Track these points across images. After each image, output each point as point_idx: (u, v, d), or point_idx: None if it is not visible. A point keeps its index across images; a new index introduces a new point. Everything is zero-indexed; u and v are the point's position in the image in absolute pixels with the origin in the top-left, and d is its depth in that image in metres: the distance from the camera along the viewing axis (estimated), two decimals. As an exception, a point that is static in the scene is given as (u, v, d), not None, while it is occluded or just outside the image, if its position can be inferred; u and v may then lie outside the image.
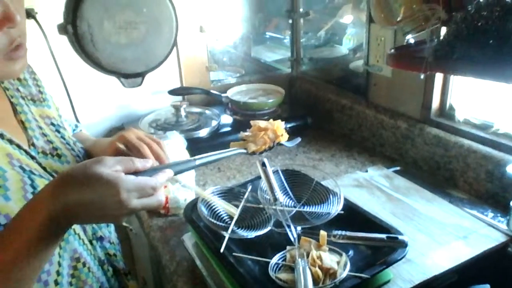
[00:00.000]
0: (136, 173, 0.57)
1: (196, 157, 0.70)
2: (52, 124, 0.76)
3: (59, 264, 0.62)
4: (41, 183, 0.61)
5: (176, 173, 0.64)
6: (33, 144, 0.68)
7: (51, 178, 0.65)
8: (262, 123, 0.90)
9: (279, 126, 0.91)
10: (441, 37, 0.62)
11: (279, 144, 0.92)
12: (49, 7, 1.25)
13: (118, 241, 0.86)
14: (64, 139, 0.76)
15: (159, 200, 0.57)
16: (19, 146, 0.64)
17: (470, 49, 0.57)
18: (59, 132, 0.76)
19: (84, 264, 0.67)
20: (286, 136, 0.92)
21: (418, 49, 0.67)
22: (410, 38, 0.74)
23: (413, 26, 0.70)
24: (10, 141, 0.63)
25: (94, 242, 0.73)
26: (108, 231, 0.79)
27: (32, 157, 0.65)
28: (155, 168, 0.61)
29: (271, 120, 0.91)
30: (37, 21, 1.23)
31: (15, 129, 0.67)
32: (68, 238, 0.65)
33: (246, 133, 0.90)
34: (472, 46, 0.57)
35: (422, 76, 0.67)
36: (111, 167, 0.52)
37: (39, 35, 1.22)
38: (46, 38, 1.24)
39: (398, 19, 0.73)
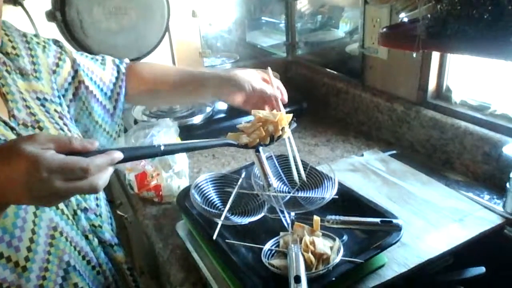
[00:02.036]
0: (78, 154, 0.51)
1: (164, 143, 0.61)
2: (38, 98, 0.75)
3: (33, 232, 0.62)
4: None
5: (130, 159, 0.57)
6: (13, 116, 0.67)
7: None
8: (263, 113, 0.79)
9: (282, 119, 0.78)
10: (434, 14, 0.60)
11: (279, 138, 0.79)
12: (36, -7, 1.22)
13: (110, 215, 0.85)
14: (49, 113, 0.75)
15: (91, 184, 0.50)
16: None
17: (464, 25, 0.56)
18: (44, 106, 0.75)
19: (61, 234, 0.67)
20: (288, 132, 0.81)
21: (411, 27, 0.65)
22: (404, 17, 0.72)
23: (406, 4, 0.68)
24: None
25: (78, 212, 0.72)
26: (96, 204, 0.79)
27: (12, 128, 0.65)
28: (103, 151, 0.53)
29: (275, 111, 0.80)
30: (24, 8, 1.20)
31: None
32: (44, 207, 0.65)
33: (247, 124, 0.80)
34: (466, 22, 0.55)
35: (414, 55, 0.65)
36: (41, 144, 0.48)
37: (27, 23, 1.20)
38: (34, 26, 1.21)
39: (391, -4, 0.71)
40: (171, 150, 0.63)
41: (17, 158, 0.47)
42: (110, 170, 0.54)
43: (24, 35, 0.80)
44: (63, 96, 0.83)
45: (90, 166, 0.50)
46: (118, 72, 0.92)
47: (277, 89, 0.88)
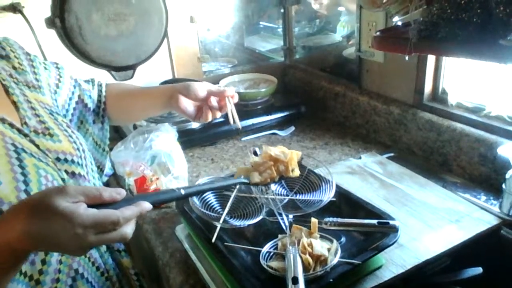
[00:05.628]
0: (106, 204, 0.53)
1: (183, 187, 0.66)
2: (46, 108, 0.77)
3: None
4: (29, 162, 0.62)
5: (155, 204, 0.59)
6: (25, 123, 0.68)
7: (43, 156, 0.66)
8: (274, 151, 0.81)
9: (293, 159, 0.81)
10: (426, 17, 0.61)
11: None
12: (35, 0, 1.23)
13: None
14: (57, 121, 0.76)
15: (122, 235, 0.52)
16: (11, 125, 0.64)
17: (454, 28, 0.57)
18: (52, 115, 0.76)
19: None
20: (297, 172, 0.83)
21: (404, 31, 0.66)
22: (398, 21, 0.73)
23: (399, 8, 0.69)
24: (3, 120, 0.64)
25: None
26: None
27: (25, 135, 0.66)
28: (130, 199, 0.55)
29: (285, 150, 0.82)
30: (24, 16, 1.21)
31: (7, 108, 0.68)
32: None
33: (256, 159, 0.82)
34: (456, 25, 0.56)
35: (406, 58, 0.66)
36: (73, 197, 0.50)
37: (27, 30, 1.21)
38: (34, 33, 1.22)
39: (384, 1, 0.72)
40: (190, 193, 0.69)
41: (52, 215, 0.48)
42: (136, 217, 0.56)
43: (28, 53, 0.83)
44: (65, 115, 0.87)
45: (121, 219, 0.52)
46: (100, 91, 0.99)
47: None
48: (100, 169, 0.96)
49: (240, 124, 0.92)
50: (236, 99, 0.92)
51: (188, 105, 0.88)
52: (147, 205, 0.56)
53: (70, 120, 0.88)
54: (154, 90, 0.97)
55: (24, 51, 0.82)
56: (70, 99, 0.89)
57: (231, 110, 0.90)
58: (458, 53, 0.61)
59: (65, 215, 0.48)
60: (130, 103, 1.00)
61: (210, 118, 0.89)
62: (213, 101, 0.88)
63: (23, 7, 1.21)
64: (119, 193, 0.54)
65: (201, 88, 0.88)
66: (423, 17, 0.61)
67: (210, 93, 0.89)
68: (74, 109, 0.90)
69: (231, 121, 0.91)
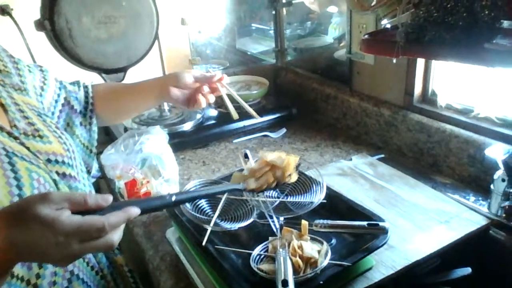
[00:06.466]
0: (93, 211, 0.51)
1: (174, 193, 0.63)
2: (34, 110, 0.76)
3: None
4: (22, 166, 0.61)
5: (145, 211, 0.57)
6: (15, 126, 0.68)
7: (34, 158, 0.65)
8: (271, 156, 0.79)
9: (290, 164, 0.79)
10: (413, 20, 0.61)
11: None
12: (25, 3, 1.23)
13: None
14: (46, 122, 0.76)
15: (107, 243, 0.50)
16: (1, 128, 0.64)
17: (441, 31, 0.57)
18: (41, 116, 0.76)
19: None
20: (295, 176, 0.81)
21: (392, 34, 0.66)
22: (386, 24, 0.74)
23: (387, 11, 0.70)
24: None
25: None
26: None
27: (15, 138, 0.65)
28: (117, 206, 0.53)
29: (283, 154, 0.80)
30: (12, 18, 1.20)
31: None
32: None
33: (252, 165, 0.81)
34: (443, 28, 0.57)
35: (394, 61, 0.66)
36: (56, 204, 0.48)
37: (15, 32, 1.20)
38: (23, 35, 1.21)
39: (372, 4, 0.73)
40: (181, 200, 0.67)
41: (33, 222, 0.46)
42: (124, 224, 0.54)
43: (11, 56, 0.82)
44: (52, 114, 0.86)
45: (106, 226, 0.49)
46: (87, 92, 0.97)
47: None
48: (88, 171, 0.96)
49: (252, 111, 0.99)
50: (226, 80, 0.95)
51: (179, 94, 0.89)
52: (134, 211, 0.54)
53: (57, 123, 0.88)
54: (143, 85, 0.96)
55: (7, 54, 0.81)
56: (56, 101, 0.89)
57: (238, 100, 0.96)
58: (445, 56, 0.62)
59: (45, 222, 0.46)
60: (121, 102, 0.99)
61: (204, 104, 0.91)
62: (204, 86, 0.90)
63: (12, 9, 1.20)
64: (106, 200, 0.53)
65: (190, 76, 0.90)
66: (411, 20, 0.62)
67: (199, 79, 0.91)
68: (60, 111, 0.89)
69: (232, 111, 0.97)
